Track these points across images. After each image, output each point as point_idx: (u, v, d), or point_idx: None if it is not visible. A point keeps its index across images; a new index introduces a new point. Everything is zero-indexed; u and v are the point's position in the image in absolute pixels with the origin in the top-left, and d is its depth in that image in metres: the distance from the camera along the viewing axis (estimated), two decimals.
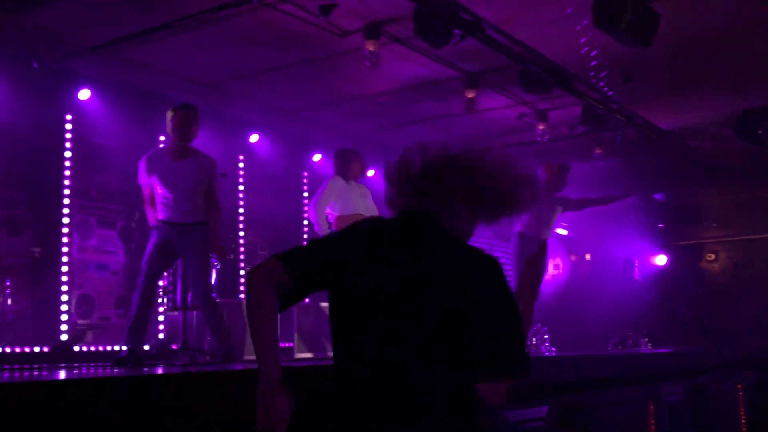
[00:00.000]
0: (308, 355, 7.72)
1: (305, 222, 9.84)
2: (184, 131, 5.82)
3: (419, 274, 2.21)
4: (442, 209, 2.33)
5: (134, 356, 5.53)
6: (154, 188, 5.84)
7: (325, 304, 9.10)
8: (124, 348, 5.64)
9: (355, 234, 2.32)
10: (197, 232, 5.83)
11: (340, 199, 6.80)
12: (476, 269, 2.24)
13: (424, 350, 2.16)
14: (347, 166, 6.89)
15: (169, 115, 5.85)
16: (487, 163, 2.36)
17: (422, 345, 2.16)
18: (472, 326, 2.16)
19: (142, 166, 5.89)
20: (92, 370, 4.58)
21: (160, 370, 4.38)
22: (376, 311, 2.21)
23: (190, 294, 6.66)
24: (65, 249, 7.52)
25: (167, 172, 5.80)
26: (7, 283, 7.13)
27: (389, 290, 2.20)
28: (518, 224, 7.68)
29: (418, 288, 2.19)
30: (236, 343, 7.53)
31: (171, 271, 6.94)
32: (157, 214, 5.85)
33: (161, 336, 7.80)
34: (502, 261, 2.48)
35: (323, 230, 6.68)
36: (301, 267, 2.24)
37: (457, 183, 2.34)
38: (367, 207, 6.92)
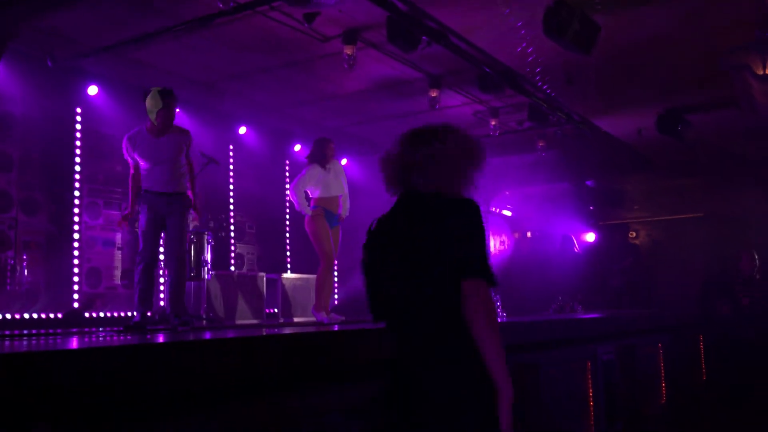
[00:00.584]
0: (301, 319, 7.65)
1: (287, 202, 9.77)
2: (169, 119, 5.58)
3: (413, 233, 2.41)
4: (426, 180, 2.51)
5: (143, 322, 5.42)
6: (138, 162, 5.65)
7: (287, 276, 9.08)
8: (135, 314, 5.52)
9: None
10: (178, 200, 5.63)
11: (319, 183, 6.74)
12: (450, 208, 2.42)
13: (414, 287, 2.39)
14: (322, 152, 6.81)
15: (156, 102, 5.49)
16: (452, 134, 2.56)
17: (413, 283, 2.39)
18: (451, 247, 2.36)
19: (124, 144, 5.63)
20: (114, 337, 4.47)
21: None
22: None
23: (188, 266, 6.56)
24: (76, 227, 7.40)
25: (148, 148, 5.56)
26: (24, 257, 6.97)
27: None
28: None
29: (413, 244, 2.40)
30: (228, 309, 7.50)
31: None
32: (143, 184, 5.65)
33: (162, 303, 7.69)
34: None
35: (303, 209, 6.61)
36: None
37: (434, 154, 2.51)
38: (342, 186, 6.86)
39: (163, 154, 5.59)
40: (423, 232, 2.37)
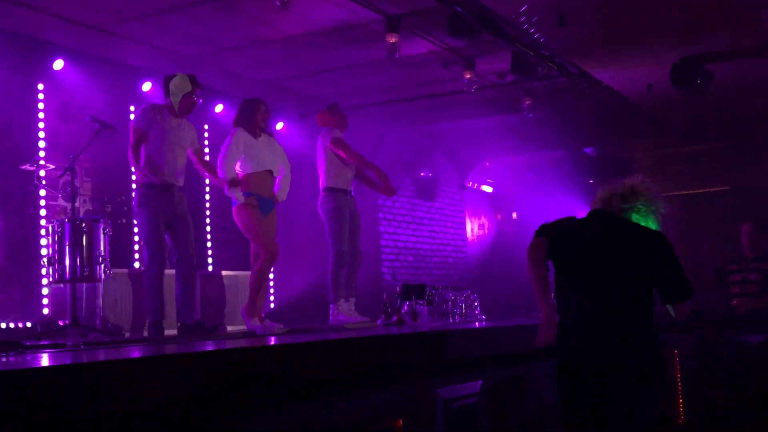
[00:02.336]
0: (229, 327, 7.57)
1: (207, 180, 9.58)
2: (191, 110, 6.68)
3: (616, 245, 4.20)
4: (624, 211, 4.32)
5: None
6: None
7: (227, 273, 8.98)
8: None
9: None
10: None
11: (246, 154, 6.64)
12: (651, 237, 4.17)
13: (626, 294, 4.12)
14: (251, 116, 6.71)
15: (186, 85, 6.61)
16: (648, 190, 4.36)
17: (624, 292, 4.11)
18: (657, 271, 4.12)
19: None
20: None
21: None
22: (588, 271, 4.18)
23: (78, 263, 6.53)
24: None
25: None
26: None
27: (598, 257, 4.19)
28: (324, 181, 7.48)
29: (618, 253, 4.17)
30: (134, 317, 7.40)
31: (55, 238, 6.73)
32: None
33: (46, 311, 7.55)
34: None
35: (234, 194, 6.52)
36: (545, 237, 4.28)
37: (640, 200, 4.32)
38: (276, 162, 6.80)
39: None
40: (628, 247, 4.19)
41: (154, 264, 6.38)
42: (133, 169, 6.61)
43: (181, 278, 6.56)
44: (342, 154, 7.35)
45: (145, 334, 6.77)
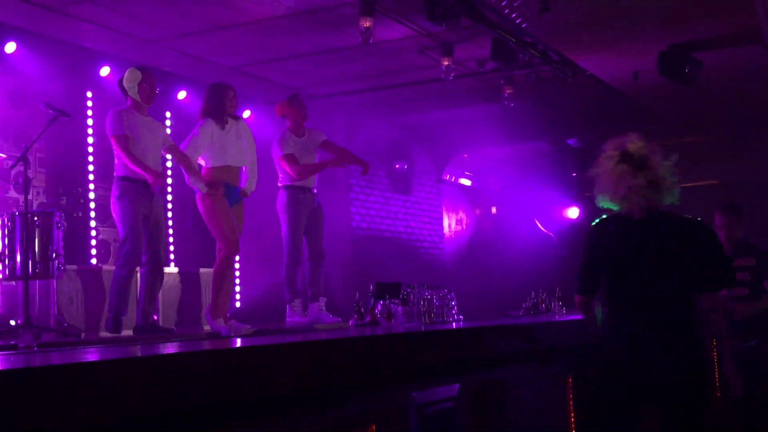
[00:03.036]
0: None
1: (169, 170, 9.55)
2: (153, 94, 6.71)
3: (661, 237, 4.42)
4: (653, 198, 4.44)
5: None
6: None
7: (171, 270, 8.95)
8: None
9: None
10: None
11: (213, 146, 6.67)
12: (693, 227, 4.44)
13: (672, 281, 4.38)
14: (219, 103, 6.74)
15: (136, 74, 6.62)
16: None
17: (670, 278, 4.37)
18: (700, 261, 4.40)
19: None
20: None
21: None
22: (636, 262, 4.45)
23: (30, 260, 6.48)
24: None
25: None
26: None
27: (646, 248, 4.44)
28: (282, 179, 7.59)
29: (662, 245, 4.41)
30: (89, 317, 7.36)
31: (6, 232, 6.68)
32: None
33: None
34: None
35: (196, 184, 6.54)
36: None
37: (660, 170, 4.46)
38: (242, 152, 6.84)
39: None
40: (672, 237, 4.45)
41: (131, 259, 6.50)
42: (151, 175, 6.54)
43: (147, 278, 6.63)
44: (290, 171, 7.36)
45: (103, 329, 6.78)
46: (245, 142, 6.91)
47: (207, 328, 7.23)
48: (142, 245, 6.56)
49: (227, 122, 6.78)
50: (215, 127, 6.71)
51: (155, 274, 6.70)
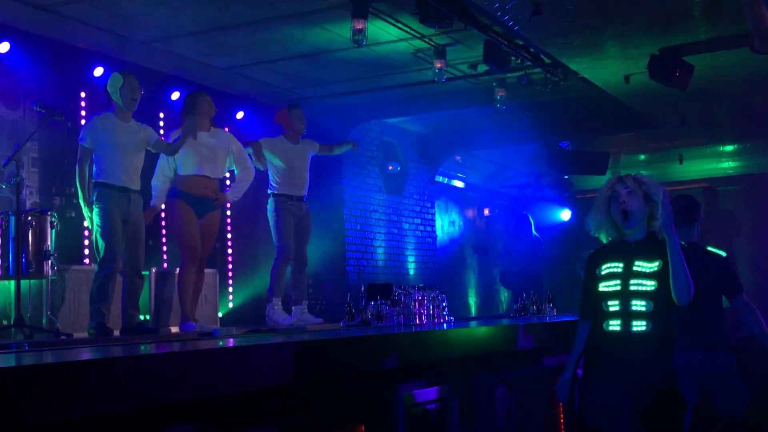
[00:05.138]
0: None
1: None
2: (135, 99, 6.73)
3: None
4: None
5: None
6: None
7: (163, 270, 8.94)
8: None
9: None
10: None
11: (186, 154, 6.97)
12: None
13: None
14: (192, 110, 7.05)
15: (118, 78, 6.68)
16: None
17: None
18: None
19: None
20: None
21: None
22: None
23: (23, 259, 6.48)
24: None
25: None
26: None
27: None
28: (270, 187, 7.87)
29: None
30: (81, 317, 7.38)
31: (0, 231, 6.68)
32: None
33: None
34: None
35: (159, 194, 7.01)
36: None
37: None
38: (217, 161, 7.08)
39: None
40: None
41: (110, 263, 6.54)
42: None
43: (128, 281, 6.71)
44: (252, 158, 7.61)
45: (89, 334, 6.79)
46: (222, 150, 7.15)
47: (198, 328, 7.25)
48: (120, 248, 6.61)
49: (209, 127, 7.08)
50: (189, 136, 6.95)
51: (134, 277, 6.74)
